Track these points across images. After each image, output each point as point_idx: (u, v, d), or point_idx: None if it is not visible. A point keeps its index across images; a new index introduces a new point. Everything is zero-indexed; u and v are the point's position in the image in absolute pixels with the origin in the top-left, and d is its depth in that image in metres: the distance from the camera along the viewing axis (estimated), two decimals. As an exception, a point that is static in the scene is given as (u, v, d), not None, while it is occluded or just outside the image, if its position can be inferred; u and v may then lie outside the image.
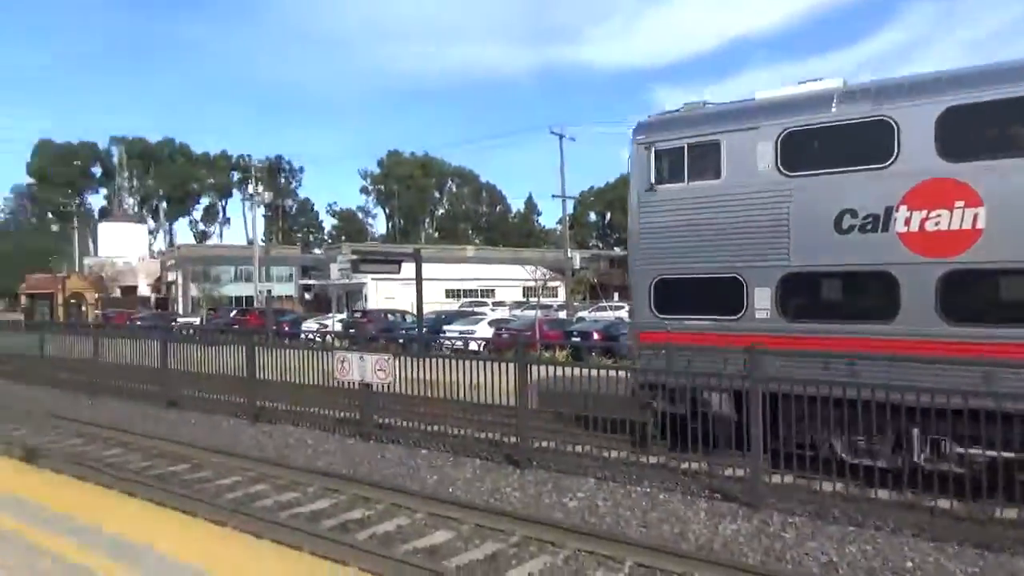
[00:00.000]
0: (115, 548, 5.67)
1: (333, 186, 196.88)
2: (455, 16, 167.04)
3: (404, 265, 28.17)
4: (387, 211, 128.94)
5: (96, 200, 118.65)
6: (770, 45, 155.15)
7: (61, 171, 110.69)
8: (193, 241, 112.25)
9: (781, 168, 9.84)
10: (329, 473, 10.24)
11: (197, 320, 49.79)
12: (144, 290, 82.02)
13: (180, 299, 74.47)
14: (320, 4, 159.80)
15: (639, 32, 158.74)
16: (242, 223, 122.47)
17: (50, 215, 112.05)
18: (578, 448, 10.23)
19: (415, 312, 27.23)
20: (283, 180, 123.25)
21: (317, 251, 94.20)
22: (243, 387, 14.53)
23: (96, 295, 68.06)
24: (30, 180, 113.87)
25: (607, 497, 8.94)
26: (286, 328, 37.03)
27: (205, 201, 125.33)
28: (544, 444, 10.60)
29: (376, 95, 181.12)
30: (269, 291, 45.42)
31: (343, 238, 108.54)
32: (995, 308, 8.63)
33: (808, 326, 9.60)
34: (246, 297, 65.58)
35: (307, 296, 74.98)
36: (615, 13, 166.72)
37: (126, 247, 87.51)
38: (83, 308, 64.75)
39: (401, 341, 22.20)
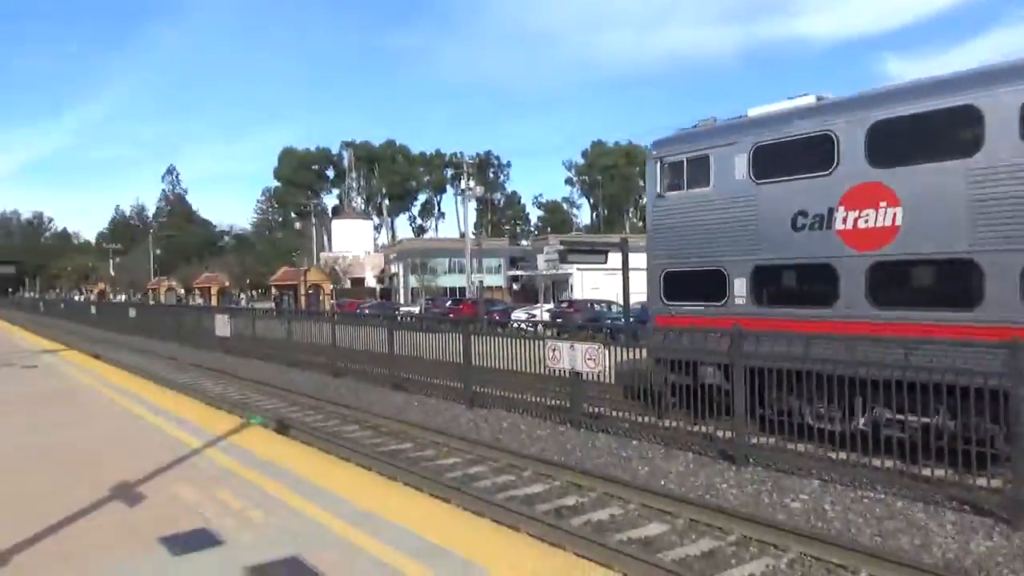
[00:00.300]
0: (354, 515, 6.22)
1: (539, 178, 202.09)
2: (660, 0, 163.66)
3: (610, 255, 28.13)
4: (591, 201, 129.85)
5: (329, 200, 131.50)
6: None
7: (301, 175, 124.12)
8: (412, 235, 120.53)
9: (752, 177, 11.64)
10: (542, 459, 10.51)
11: (417, 309, 53.28)
12: (370, 281, 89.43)
13: (401, 289, 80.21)
14: (527, 3, 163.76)
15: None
16: (455, 217, 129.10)
17: (293, 215, 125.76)
18: (799, 447, 9.65)
19: (620, 302, 27.08)
20: (492, 175, 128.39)
21: (524, 242, 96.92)
22: (460, 373, 15.32)
23: (331, 286, 75.36)
24: (276, 184, 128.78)
25: (835, 500, 8.34)
26: (497, 317, 38.46)
27: (422, 197, 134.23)
28: (761, 440, 10.11)
29: (580, 87, 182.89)
30: (481, 281, 47.21)
31: (548, 229, 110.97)
32: (911, 294, 10.09)
33: (774, 310, 11.34)
34: (459, 288, 69.21)
35: (515, 286, 77.48)
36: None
37: (355, 242, 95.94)
38: (321, 298, 71.92)
39: (608, 331, 22.17)
